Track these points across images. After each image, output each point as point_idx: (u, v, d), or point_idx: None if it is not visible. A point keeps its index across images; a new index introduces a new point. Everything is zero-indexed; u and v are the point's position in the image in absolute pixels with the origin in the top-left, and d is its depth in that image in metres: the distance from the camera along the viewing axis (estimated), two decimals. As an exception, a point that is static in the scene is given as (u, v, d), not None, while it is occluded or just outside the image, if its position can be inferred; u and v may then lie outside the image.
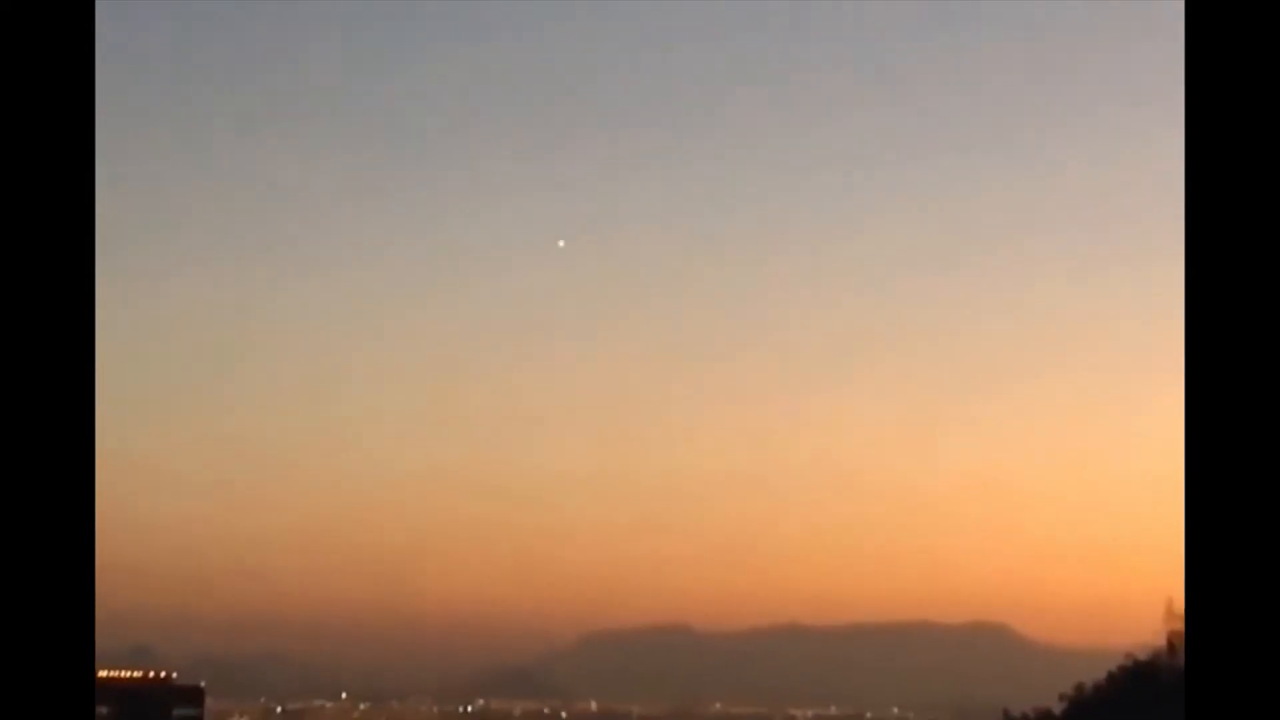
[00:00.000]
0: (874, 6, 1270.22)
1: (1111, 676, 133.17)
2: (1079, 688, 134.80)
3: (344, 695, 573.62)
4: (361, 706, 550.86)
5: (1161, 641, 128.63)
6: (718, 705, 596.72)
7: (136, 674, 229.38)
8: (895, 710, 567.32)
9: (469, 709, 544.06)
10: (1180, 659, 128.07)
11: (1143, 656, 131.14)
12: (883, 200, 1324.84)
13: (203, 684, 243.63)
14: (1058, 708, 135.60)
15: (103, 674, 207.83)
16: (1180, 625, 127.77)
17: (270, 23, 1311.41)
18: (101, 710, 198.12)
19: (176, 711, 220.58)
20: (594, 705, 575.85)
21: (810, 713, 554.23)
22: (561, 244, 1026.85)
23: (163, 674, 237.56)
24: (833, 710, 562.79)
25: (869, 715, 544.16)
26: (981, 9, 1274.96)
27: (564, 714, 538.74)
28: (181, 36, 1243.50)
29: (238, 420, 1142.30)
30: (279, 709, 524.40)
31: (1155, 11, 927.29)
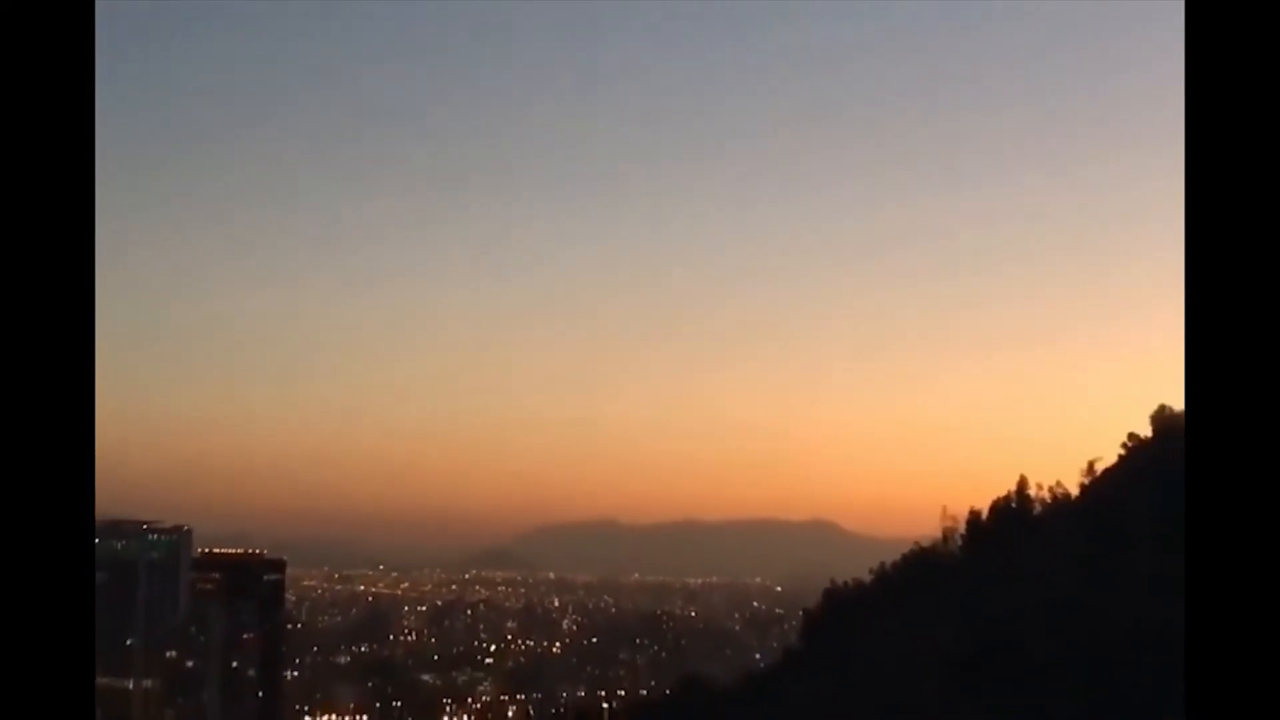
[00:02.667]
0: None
1: (905, 558, 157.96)
2: (881, 565, 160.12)
3: (380, 566, 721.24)
4: (393, 575, 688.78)
5: (938, 534, 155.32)
6: (635, 576, 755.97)
7: (238, 551, 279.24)
8: (758, 579, 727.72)
9: (466, 576, 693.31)
10: (951, 546, 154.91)
11: (926, 544, 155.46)
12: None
13: (284, 557, 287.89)
14: (867, 579, 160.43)
15: (216, 551, 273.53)
16: (951, 523, 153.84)
17: (272, 24, 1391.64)
18: (215, 577, 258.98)
19: (266, 577, 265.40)
20: (551, 575, 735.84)
21: (699, 581, 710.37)
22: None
23: (255, 551, 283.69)
24: (714, 579, 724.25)
25: (741, 582, 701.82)
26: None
27: (531, 580, 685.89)
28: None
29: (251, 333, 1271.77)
30: (337, 575, 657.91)
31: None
